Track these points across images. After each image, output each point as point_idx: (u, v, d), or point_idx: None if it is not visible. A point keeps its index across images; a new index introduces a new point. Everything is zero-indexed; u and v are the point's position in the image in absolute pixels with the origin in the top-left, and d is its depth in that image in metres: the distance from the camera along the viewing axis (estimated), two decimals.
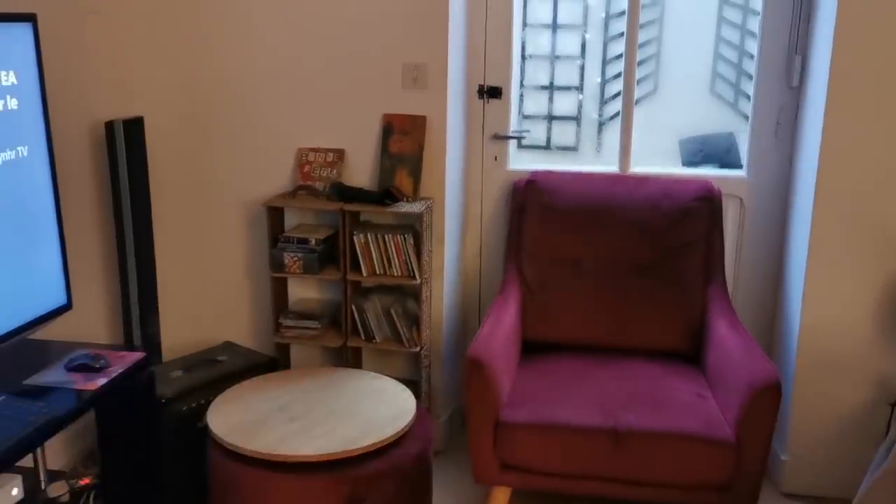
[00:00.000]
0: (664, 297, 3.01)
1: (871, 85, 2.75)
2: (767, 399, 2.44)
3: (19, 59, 2.31)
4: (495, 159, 3.38)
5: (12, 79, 2.28)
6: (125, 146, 2.89)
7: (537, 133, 3.65)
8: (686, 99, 3.70)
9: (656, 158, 3.46)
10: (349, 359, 3.16)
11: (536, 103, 3.64)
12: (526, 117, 3.61)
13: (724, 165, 3.47)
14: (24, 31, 2.32)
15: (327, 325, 3.18)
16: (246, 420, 2.54)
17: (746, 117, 3.27)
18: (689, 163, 3.58)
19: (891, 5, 2.68)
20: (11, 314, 2.32)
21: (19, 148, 2.32)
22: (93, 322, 3.01)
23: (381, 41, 3.06)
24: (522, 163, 3.44)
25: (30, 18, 2.34)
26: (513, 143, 3.41)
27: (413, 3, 3.00)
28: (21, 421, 1.99)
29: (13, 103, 2.29)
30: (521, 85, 3.50)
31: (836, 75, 2.76)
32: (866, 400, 2.94)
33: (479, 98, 3.33)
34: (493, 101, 3.33)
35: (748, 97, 3.26)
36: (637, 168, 3.32)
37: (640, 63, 3.33)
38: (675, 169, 3.42)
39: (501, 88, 3.31)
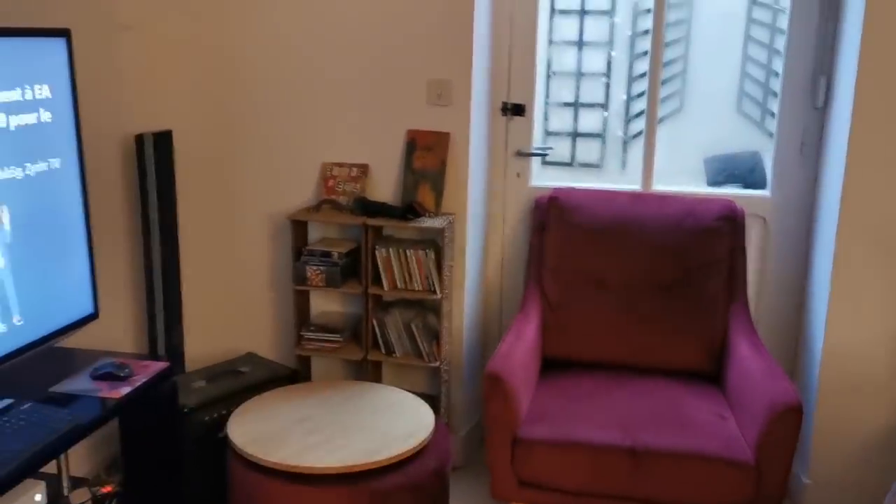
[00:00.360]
0: (685, 317, 3.00)
1: None
2: (788, 422, 2.42)
3: (53, 74, 2.36)
4: (518, 176, 3.39)
5: (46, 92, 2.33)
6: (154, 159, 2.94)
7: (561, 150, 3.65)
8: (712, 117, 3.69)
9: (682, 177, 3.46)
10: (369, 372, 3.18)
11: (561, 120, 3.64)
12: (550, 134, 3.62)
13: (748, 184, 3.45)
14: (58, 46, 2.37)
15: (348, 339, 3.20)
16: (266, 431, 2.56)
17: (772, 136, 3.26)
18: (713, 181, 3.56)
19: None
20: (39, 322, 2.37)
21: (51, 160, 2.37)
22: (118, 331, 3.05)
23: (405, 58, 3.09)
24: (546, 179, 3.44)
25: (64, 34, 2.40)
26: (536, 160, 3.42)
27: (438, 19, 3.03)
28: (46, 428, 2.02)
29: (46, 116, 2.34)
30: (546, 102, 3.51)
31: (861, 97, 2.74)
32: (890, 423, 2.90)
33: (503, 115, 3.35)
34: (517, 118, 3.34)
35: (775, 116, 3.25)
36: (660, 186, 3.31)
37: (665, 81, 3.33)
38: (697, 188, 3.41)
39: (525, 105, 3.33)
